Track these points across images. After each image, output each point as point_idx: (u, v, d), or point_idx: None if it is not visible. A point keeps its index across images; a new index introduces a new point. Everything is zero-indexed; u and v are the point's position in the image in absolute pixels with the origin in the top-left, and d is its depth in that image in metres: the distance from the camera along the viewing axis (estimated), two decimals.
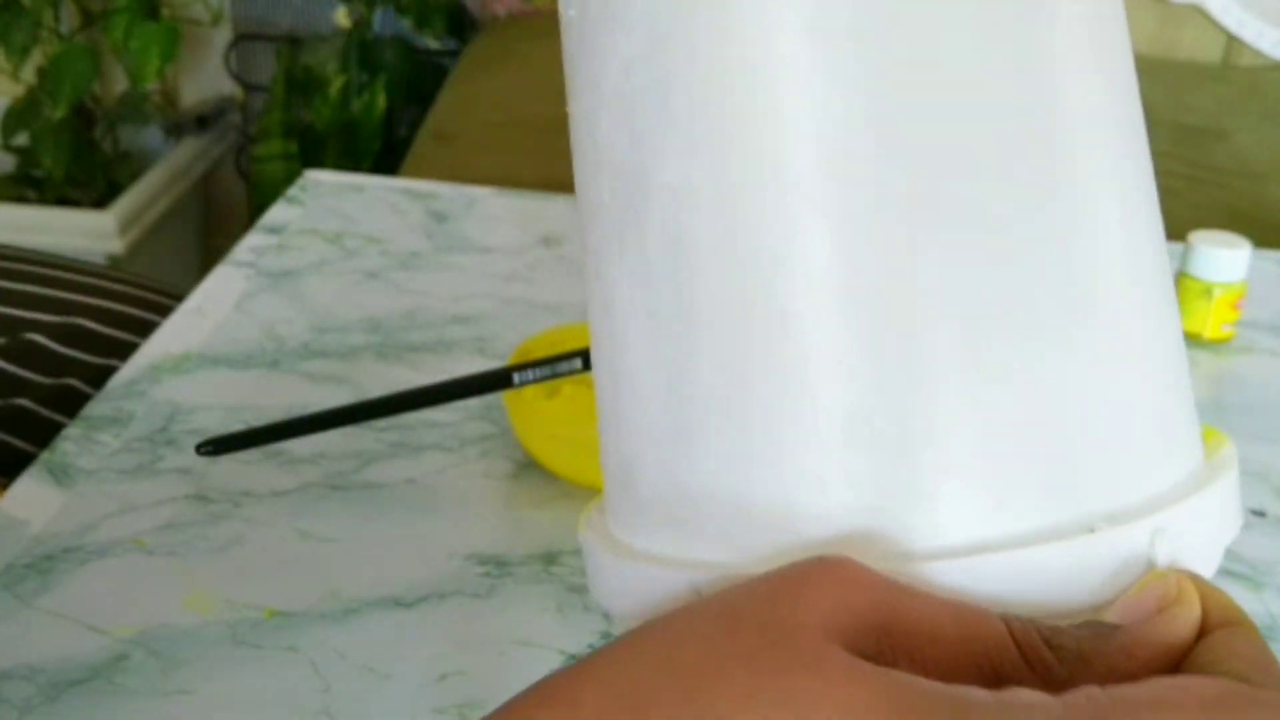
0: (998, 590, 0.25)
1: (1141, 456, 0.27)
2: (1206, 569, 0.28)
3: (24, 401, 0.79)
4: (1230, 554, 0.62)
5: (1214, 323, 0.83)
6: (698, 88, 0.26)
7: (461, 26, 2.02)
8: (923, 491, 0.25)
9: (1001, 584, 0.25)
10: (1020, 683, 0.24)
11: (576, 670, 0.24)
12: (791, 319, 0.25)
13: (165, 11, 1.92)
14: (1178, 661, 0.25)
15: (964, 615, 0.25)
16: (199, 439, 0.55)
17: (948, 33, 0.25)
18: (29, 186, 1.91)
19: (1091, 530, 0.25)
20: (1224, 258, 0.82)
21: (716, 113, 0.26)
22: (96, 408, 0.67)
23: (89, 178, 1.90)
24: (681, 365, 0.27)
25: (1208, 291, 0.82)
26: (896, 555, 0.25)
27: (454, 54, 1.98)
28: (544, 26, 1.80)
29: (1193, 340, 0.84)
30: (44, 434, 0.70)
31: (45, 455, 0.63)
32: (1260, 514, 0.66)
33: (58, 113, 1.79)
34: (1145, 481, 0.27)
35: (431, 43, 2.00)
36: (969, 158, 0.25)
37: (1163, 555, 0.26)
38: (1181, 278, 0.83)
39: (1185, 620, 0.25)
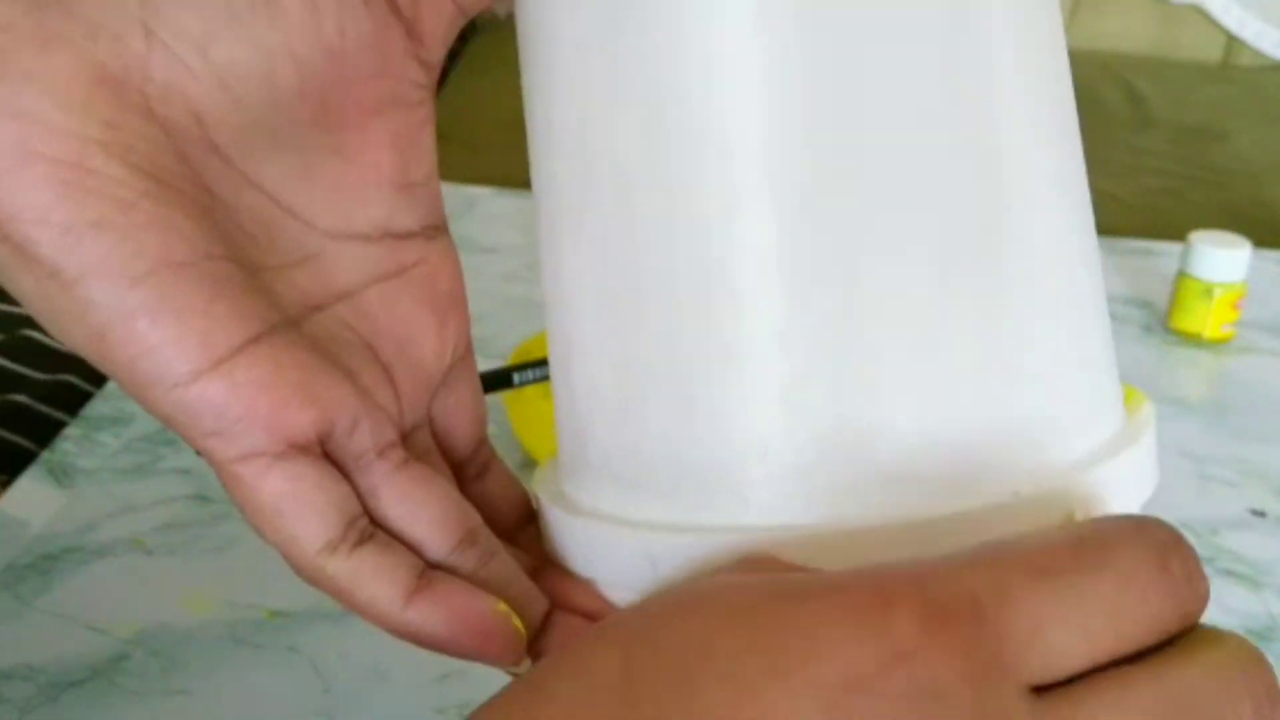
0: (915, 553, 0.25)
1: (1062, 424, 0.27)
2: None
3: (22, 398, 0.79)
4: (1230, 554, 0.62)
5: (1214, 323, 0.83)
6: (645, 68, 0.27)
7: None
8: (858, 456, 0.26)
9: (919, 549, 0.25)
10: None
11: (596, 635, 0.24)
12: (730, 293, 0.26)
13: None
14: None
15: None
16: None
17: (880, 17, 0.26)
18: None
19: (1016, 493, 0.26)
20: (1224, 258, 0.82)
21: (661, 93, 0.26)
22: (96, 407, 0.67)
23: None
24: (630, 339, 0.28)
25: (1208, 291, 0.82)
26: (834, 518, 0.26)
27: (454, 54, 1.98)
28: None
29: (1193, 340, 0.84)
30: (42, 430, 0.70)
31: (45, 455, 0.63)
32: (1260, 514, 0.66)
33: None
34: (1067, 447, 0.27)
35: None
36: (900, 143, 0.26)
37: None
38: (1181, 278, 0.83)
39: None
